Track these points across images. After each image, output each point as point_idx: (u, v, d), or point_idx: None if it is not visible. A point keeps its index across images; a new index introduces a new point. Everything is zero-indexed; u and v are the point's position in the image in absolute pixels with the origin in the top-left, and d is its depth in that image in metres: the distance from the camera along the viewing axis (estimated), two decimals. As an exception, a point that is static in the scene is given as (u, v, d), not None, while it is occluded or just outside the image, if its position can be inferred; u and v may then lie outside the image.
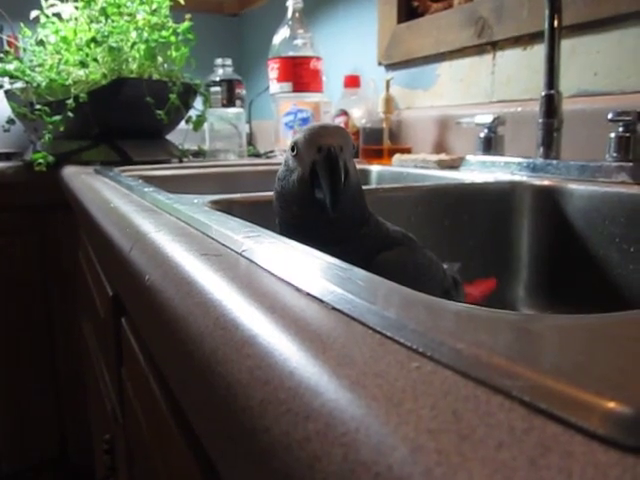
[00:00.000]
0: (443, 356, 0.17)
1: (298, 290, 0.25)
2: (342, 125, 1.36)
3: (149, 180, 1.01)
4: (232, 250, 0.33)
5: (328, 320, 0.21)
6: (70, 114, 1.16)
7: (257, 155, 1.58)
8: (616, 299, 0.71)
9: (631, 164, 0.72)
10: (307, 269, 0.28)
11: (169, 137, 1.42)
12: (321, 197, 0.39)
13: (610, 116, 0.73)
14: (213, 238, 0.36)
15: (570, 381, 0.14)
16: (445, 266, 0.54)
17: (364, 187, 0.73)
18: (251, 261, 0.29)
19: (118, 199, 0.55)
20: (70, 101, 1.16)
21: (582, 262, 0.75)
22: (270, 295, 0.25)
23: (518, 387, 0.15)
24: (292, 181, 0.41)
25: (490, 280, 0.65)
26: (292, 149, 0.41)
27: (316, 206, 0.39)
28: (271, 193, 0.65)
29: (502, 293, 0.81)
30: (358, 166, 1.30)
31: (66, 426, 1.50)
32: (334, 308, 0.23)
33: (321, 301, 0.24)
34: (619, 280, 0.71)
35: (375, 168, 1.19)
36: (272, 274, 0.28)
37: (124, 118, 1.25)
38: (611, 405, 0.13)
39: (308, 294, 0.25)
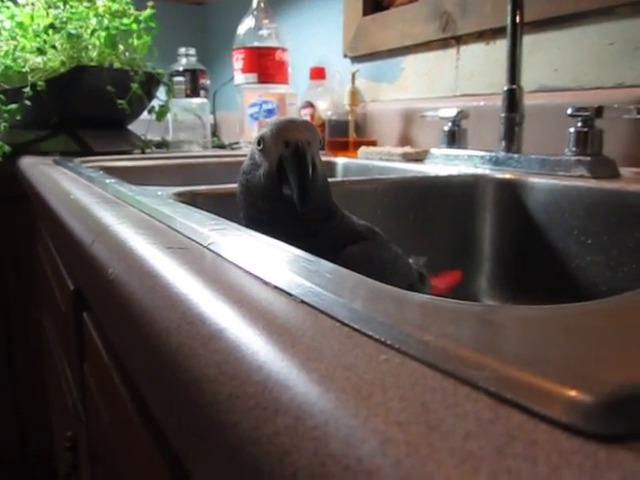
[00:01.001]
0: (411, 348, 0.17)
1: (265, 283, 0.25)
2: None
3: (111, 171, 0.98)
4: (197, 243, 0.32)
5: (296, 313, 0.21)
6: (27, 102, 1.13)
7: (221, 146, 1.57)
8: (575, 289, 0.74)
9: (589, 158, 0.74)
10: (274, 262, 0.27)
11: (131, 127, 1.39)
12: (288, 193, 0.39)
13: (569, 111, 0.75)
14: (178, 231, 0.36)
15: (533, 371, 0.15)
16: (411, 260, 0.54)
17: (330, 179, 0.73)
18: (217, 254, 0.29)
19: (78, 190, 0.54)
20: (27, 89, 1.12)
21: (543, 254, 0.77)
22: (237, 288, 0.25)
23: (484, 378, 0.15)
24: (258, 175, 0.41)
25: (455, 272, 0.66)
26: (258, 143, 0.41)
27: (283, 201, 0.39)
28: (235, 185, 0.65)
29: (466, 285, 0.83)
30: (324, 158, 1.30)
31: (25, 425, 1.46)
32: (302, 301, 0.23)
33: (289, 294, 0.24)
34: (577, 271, 0.73)
35: (341, 160, 1.19)
36: (239, 267, 0.28)
37: (84, 107, 1.21)
38: (572, 394, 0.14)
39: (275, 287, 0.25)
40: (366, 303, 0.22)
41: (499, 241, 0.83)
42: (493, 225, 0.83)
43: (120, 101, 1.18)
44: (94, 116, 1.24)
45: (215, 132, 1.86)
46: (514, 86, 0.83)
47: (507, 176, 0.81)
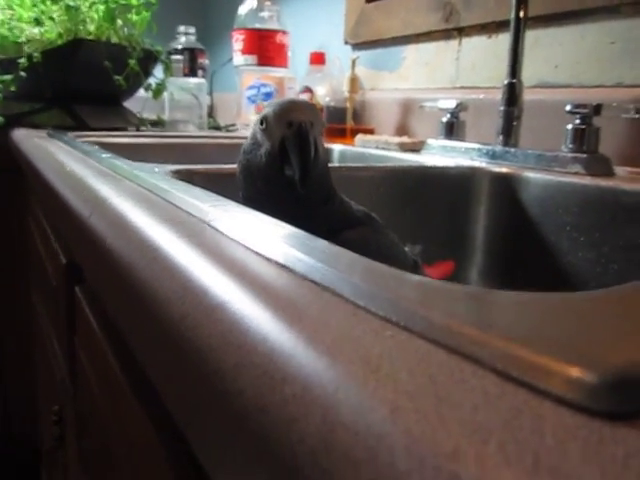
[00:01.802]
0: (416, 325, 0.17)
1: (267, 259, 0.25)
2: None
3: (105, 147, 0.97)
4: (198, 219, 0.32)
5: (300, 288, 0.21)
6: (22, 74, 1.11)
7: (217, 128, 1.56)
8: (565, 284, 0.74)
9: (585, 156, 0.74)
10: (275, 239, 0.27)
11: (127, 104, 1.37)
12: (290, 173, 0.38)
13: (568, 108, 0.76)
14: (177, 206, 0.36)
15: (538, 350, 0.15)
16: (406, 248, 0.55)
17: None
18: (217, 230, 0.29)
19: (74, 163, 0.53)
20: (23, 60, 1.11)
21: (535, 248, 0.78)
22: (239, 263, 0.25)
23: (490, 355, 0.15)
24: (259, 155, 0.41)
25: (448, 263, 0.67)
26: (261, 122, 0.41)
27: (283, 182, 0.39)
28: (234, 166, 0.64)
29: (457, 275, 0.83)
30: (321, 144, 1.29)
31: (8, 401, 1.45)
32: (305, 277, 0.23)
33: (291, 270, 0.24)
34: (568, 267, 0.74)
35: (337, 147, 1.19)
36: (240, 244, 0.28)
37: (80, 81, 1.20)
38: (577, 372, 0.14)
39: (277, 263, 0.25)
40: (368, 280, 0.22)
41: (492, 234, 0.83)
42: (487, 217, 0.83)
43: (117, 77, 1.17)
44: (90, 91, 1.23)
45: (211, 113, 1.84)
46: (514, 80, 0.83)
47: (503, 170, 0.81)
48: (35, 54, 1.11)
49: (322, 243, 0.28)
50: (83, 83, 1.20)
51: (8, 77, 1.12)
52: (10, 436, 1.47)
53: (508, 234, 0.81)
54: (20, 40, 1.12)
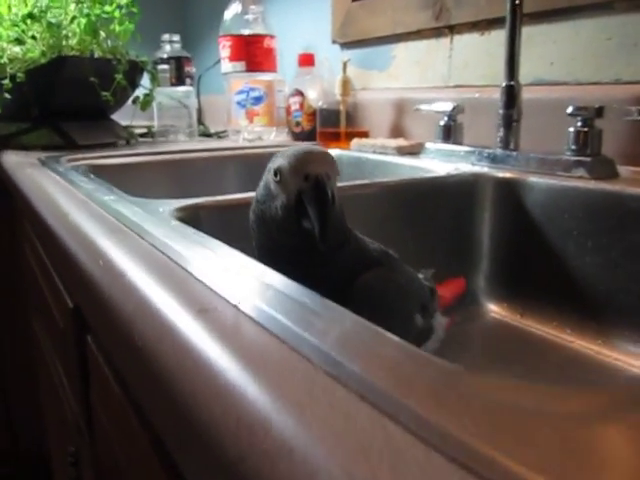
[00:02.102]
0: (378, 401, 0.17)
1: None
2: (297, 106, 1.33)
3: (100, 170, 0.96)
4: (225, 300, 0.30)
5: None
6: (7, 95, 1.08)
7: (208, 135, 1.53)
8: (573, 289, 0.74)
9: (589, 159, 0.74)
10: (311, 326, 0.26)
11: (115, 117, 1.35)
12: (308, 226, 0.37)
13: (569, 110, 0.75)
14: (201, 282, 0.33)
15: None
16: (421, 275, 0.54)
17: None
18: (246, 315, 0.27)
19: (77, 210, 0.52)
20: (6, 81, 1.08)
21: (541, 254, 0.77)
22: (256, 352, 0.24)
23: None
24: (275, 207, 0.39)
25: (459, 280, 0.66)
26: (275, 174, 0.39)
27: (301, 234, 0.38)
28: (237, 196, 0.63)
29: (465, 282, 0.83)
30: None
31: (15, 420, 1.44)
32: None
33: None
34: (576, 272, 0.74)
35: (333, 152, 1.16)
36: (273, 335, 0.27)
37: (66, 99, 1.17)
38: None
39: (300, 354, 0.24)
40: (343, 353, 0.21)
41: (498, 241, 0.83)
42: (492, 225, 0.83)
43: (104, 93, 1.14)
44: (77, 107, 1.20)
45: (200, 118, 1.81)
46: (512, 82, 0.82)
47: (507, 175, 0.81)
48: (19, 74, 1.09)
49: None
50: (69, 100, 1.18)
51: (-8, 99, 1.09)
52: (17, 454, 1.46)
53: (514, 240, 0.81)
54: (2, 61, 1.09)
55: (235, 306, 0.27)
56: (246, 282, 0.30)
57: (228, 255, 0.36)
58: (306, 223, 0.38)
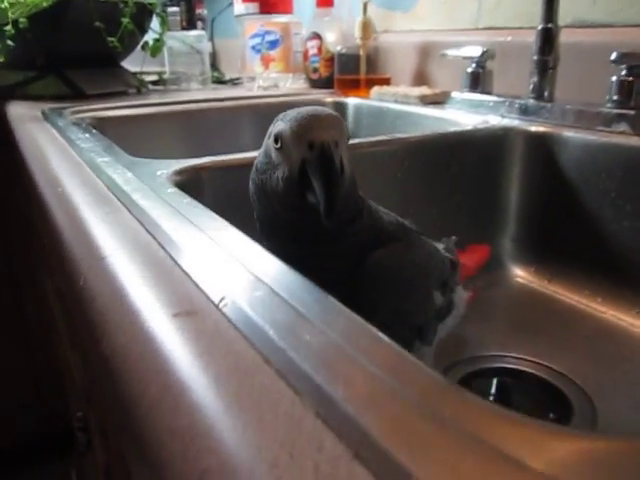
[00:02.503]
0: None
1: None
2: (315, 50, 1.25)
3: (105, 124, 0.91)
4: (208, 299, 0.26)
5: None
6: (10, 42, 1.03)
7: (222, 82, 1.47)
8: (607, 255, 0.69)
9: (633, 113, 0.67)
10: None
11: (126, 63, 1.29)
12: (313, 201, 0.33)
13: (613, 57, 0.67)
14: (186, 274, 0.29)
15: None
16: (442, 245, 0.49)
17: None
18: (230, 321, 0.23)
19: (68, 176, 0.48)
20: (9, 27, 1.02)
21: (574, 216, 0.72)
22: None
23: None
24: (276, 178, 0.35)
25: (483, 247, 0.61)
26: (275, 140, 0.35)
27: (305, 209, 0.33)
28: (239, 156, 0.58)
29: (490, 244, 0.78)
30: (333, 98, 1.21)
31: (39, 374, 1.47)
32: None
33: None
34: (611, 237, 0.68)
35: (352, 101, 1.11)
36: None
37: (72, 45, 1.11)
38: None
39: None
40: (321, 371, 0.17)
41: (527, 200, 0.77)
42: (521, 183, 0.77)
43: (110, 39, 1.08)
44: (84, 54, 1.15)
45: (214, 63, 1.74)
46: (550, 25, 0.74)
47: (539, 129, 0.74)
48: (21, 19, 1.03)
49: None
50: (76, 46, 1.12)
51: (-5, 47, 1.04)
52: (41, 411, 1.49)
53: (544, 200, 0.75)
54: (2, 5, 1.03)
55: (218, 308, 0.23)
56: (236, 275, 0.26)
57: (222, 235, 0.32)
58: (311, 197, 0.33)
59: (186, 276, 0.27)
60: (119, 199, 0.39)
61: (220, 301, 0.24)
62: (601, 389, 0.54)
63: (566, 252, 0.73)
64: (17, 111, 0.96)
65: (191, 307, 0.23)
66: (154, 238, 0.32)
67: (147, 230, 0.33)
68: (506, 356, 0.60)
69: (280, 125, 0.35)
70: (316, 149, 0.32)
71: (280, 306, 0.23)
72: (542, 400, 0.55)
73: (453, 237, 0.53)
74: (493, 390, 0.57)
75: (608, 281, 0.68)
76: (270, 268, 0.28)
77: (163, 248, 0.30)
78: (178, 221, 0.33)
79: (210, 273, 0.26)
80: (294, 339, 0.20)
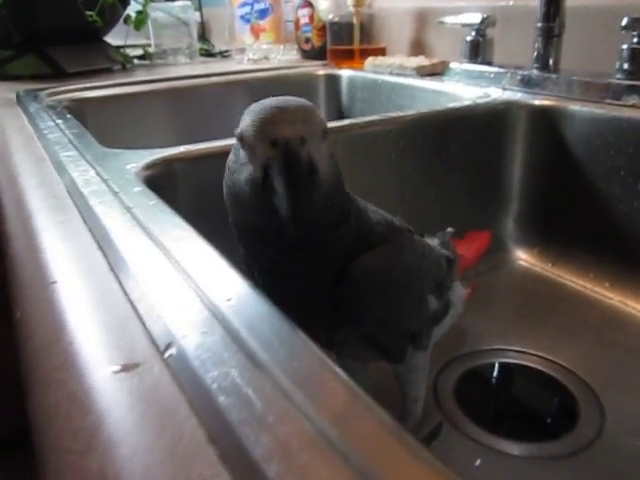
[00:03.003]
0: None
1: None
2: (306, 19, 1.19)
3: (84, 106, 0.87)
4: (155, 350, 0.22)
5: None
6: (-17, 20, 0.98)
7: (210, 54, 1.41)
8: (615, 237, 0.65)
9: (645, 83, 0.62)
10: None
11: (108, 37, 1.23)
12: (279, 204, 0.29)
13: (624, 22, 0.62)
14: (135, 310, 0.24)
15: None
16: (437, 240, 0.45)
17: (337, 123, 0.61)
18: (174, 376, 0.19)
19: (28, 174, 0.44)
20: (-20, 3, 0.97)
21: (580, 195, 0.68)
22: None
23: None
24: (242, 179, 0.31)
25: (483, 234, 0.57)
26: (239, 139, 0.30)
27: (273, 215, 0.29)
28: (215, 144, 0.54)
29: (490, 226, 0.74)
30: (326, 70, 1.15)
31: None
32: None
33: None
34: (620, 217, 0.64)
35: (345, 73, 1.05)
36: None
37: (50, 21, 1.05)
38: None
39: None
40: None
41: (530, 178, 0.72)
42: (523, 159, 0.72)
43: (90, 12, 1.02)
44: (63, 29, 1.09)
45: (203, 34, 1.67)
46: (555, -12, 0.69)
47: (543, 102, 0.69)
48: (-7, -6, 0.97)
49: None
50: (54, 22, 1.06)
51: (-32, 25, 0.99)
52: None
53: (549, 178, 0.71)
54: (-27, -21, 0.98)
55: (163, 357, 0.20)
56: (189, 310, 0.22)
57: (182, 250, 0.28)
58: (277, 202, 0.29)
59: (134, 312, 0.23)
60: (76, 204, 0.36)
61: (166, 348, 0.20)
62: (608, 385, 0.51)
63: (571, 233, 0.70)
64: (-8, 93, 0.91)
65: (133, 357, 0.20)
66: (105, 257, 0.28)
67: (99, 246, 0.29)
68: (508, 350, 0.56)
69: (244, 120, 0.30)
70: (279, 148, 0.28)
71: (235, 354, 0.19)
72: (547, 398, 0.52)
73: (449, 229, 0.49)
74: (493, 388, 0.54)
75: (616, 265, 0.64)
76: (232, 294, 0.24)
77: (113, 271, 0.26)
78: (135, 233, 0.30)
79: (160, 308, 0.23)
80: (245, 407, 0.17)
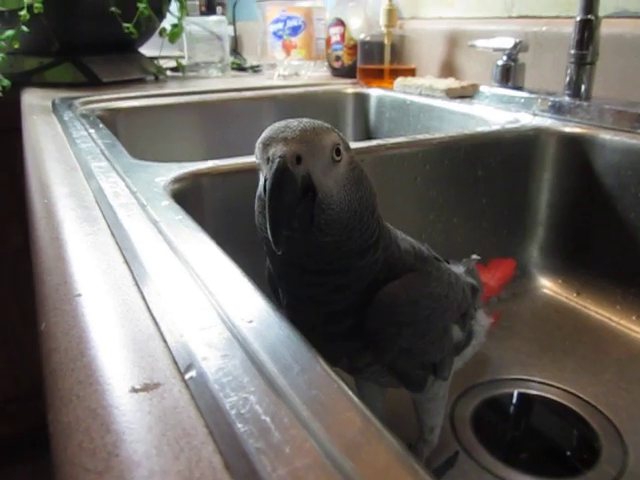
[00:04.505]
0: None
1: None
2: (338, 37, 1.20)
3: (116, 116, 0.88)
4: (176, 371, 0.22)
5: None
6: (24, 28, 1.01)
7: (242, 68, 1.42)
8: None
9: (680, 115, 0.61)
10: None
11: (143, 49, 1.26)
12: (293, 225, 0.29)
13: (659, 53, 0.61)
14: (159, 329, 0.25)
15: None
16: (462, 268, 0.45)
17: (363, 144, 0.60)
18: (193, 399, 0.19)
19: (60, 183, 0.45)
20: (23, 12, 1.00)
21: (608, 226, 0.66)
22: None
23: None
24: (257, 196, 0.31)
25: (508, 261, 0.57)
26: (255, 154, 0.31)
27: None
28: (241, 161, 0.54)
29: (515, 252, 0.73)
30: (355, 89, 1.15)
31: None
32: None
33: None
34: (650, 250, 0.63)
35: (374, 92, 1.05)
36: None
37: (87, 31, 1.08)
38: None
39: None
40: None
41: (557, 206, 0.71)
42: (552, 188, 0.71)
43: (126, 24, 1.05)
44: (100, 40, 1.12)
45: (236, 47, 1.70)
46: (590, 16, 0.68)
47: (574, 130, 0.68)
48: (36, 4, 1.00)
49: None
50: (91, 32, 1.09)
51: (10, 32, 1.02)
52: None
53: (576, 207, 0.70)
54: (17, -10, 1.01)
55: (183, 379, 0.20)
56: (211, 331, 0.22)
57: (206, 268, 0.28)
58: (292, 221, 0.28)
59: (156, 330, 0.23)
60: (104, 216, 0.36)
61: (187, 370, 0.20)
62: (631, 422, 0.50)
63: (597, 263, 0.68)
64: (30, 99, 0.94)
65: (154, 377, 0.20)
66: (130, 271, 0.28)
67: (125, 260, 0.30)
68: (529, 380, 0.55)
69: (261, 135, 0.30)
70: (271, 165, 0.28)
71: (254, 380, 0.19)
72: (567, 432, 0.51)
73: (474, 256, 0.49)
74: (512, 418, 0.53)
75: (644, 298, 0.63)
76: (253, 315, 0.24)
77: (137, 286, 0.27)
78: (161, 249, 0.30)
79: (182, 326, 0.23)
80: (262, 436, 0.17)
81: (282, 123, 0.30)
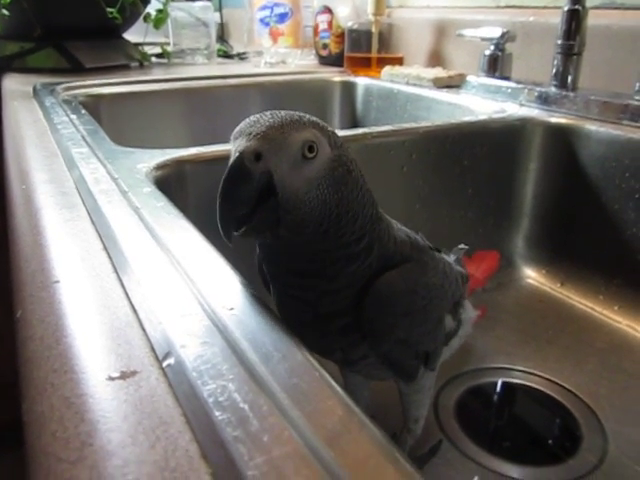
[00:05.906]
0: None
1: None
2: (325, 25, 1.19)
3: (99, 102, 0.87)
4: (154, 359, 0.22)
5: None
6: (5, 12, 0.99)
7: (228, 56, 1.41)
8: (627, 262, 0.64)
9: (665, 106, 0.61)
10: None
11: (127, 34, 1.24)
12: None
13: (645, 44, 0.61)
14: (136, 315, 0.24)
15: None
16: (452, 257, 0.45)
17: (349, 132, 0.60)
18: (170, 387, 0.19)
19: (39, 169, 0.44)
20: (3, -5, 0.98)
21: (593, 216, 0.67)
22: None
23: None
24: None
25: (492, 254, 0.56)
26: None
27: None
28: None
29: (500, 243, 0.73)
30: (342, 77, 1.15)
31: None
32: None
33: None
34: (633, 240, 0.63)
35: (362, 81, 1.05)
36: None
37: (70, 16, 1.06)
38: None
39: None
40: None
41: (542, 197, 0.72)
42: (537, 178, 0.72)
43: (110, 9, 1.03)
44: (83, 25, 1.09)
45: (222, 35, 1.68)
46: (577, 6, 0.68)
47: (560, 120, 0.68)
48: (16, -13, 0.98)
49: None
50: (74, 17, 1.07)
51: (-10, 16, 1.00)
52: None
53: (562, 198, 0.70)
54: (-3, -28, 0.98)
55: (161, 366, 0.19)
56: (191, 318, 0.22)
57: (187, 254, 0.28)
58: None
59: (135, 317, 0.23)
60: (84, 202, 0.35)
61: (165, 357, 0.20)
62: (612, 410, 0.50)
63: (582, 254, 0.69)
64: (11, 85, 0.92)
65: (131, 365, 0.20)
66: (109, 258, 0.28)
67: (104, 247, 0.29)
68: (512, 369, 0.56)
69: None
70: (230, 159, 0.27)
71: (233, 367, 0.19)
72: (549, 420, 0.52)
73: (462, 245, 0.49)
74: (496, 407, 0.53)
75: (627, 288, 0.64)
76: (234, 303, 0.24)
77: (116, 273, 0.26)
78: (141, 236, 0.30)
79: (161, 314, 0.22)
80: (241, 424, 0.16)
81: (255, 117, 0.29)
